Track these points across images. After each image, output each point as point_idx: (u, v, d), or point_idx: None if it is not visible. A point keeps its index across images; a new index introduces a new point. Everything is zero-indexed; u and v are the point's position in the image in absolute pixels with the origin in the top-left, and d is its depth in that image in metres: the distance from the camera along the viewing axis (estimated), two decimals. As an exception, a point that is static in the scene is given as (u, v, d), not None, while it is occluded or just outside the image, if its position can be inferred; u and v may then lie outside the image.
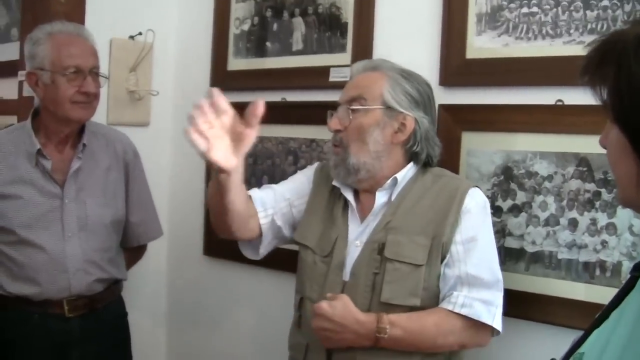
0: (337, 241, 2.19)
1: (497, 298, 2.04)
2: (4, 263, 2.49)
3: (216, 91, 1.79)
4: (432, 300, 2.06)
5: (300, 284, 2.27)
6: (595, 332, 1.25)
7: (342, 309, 2.00)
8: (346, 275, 2.14)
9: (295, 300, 2.30)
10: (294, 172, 2.87)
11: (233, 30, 3.17)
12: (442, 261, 2.06)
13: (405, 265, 2.05)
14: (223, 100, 1.80)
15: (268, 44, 3.04)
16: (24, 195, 2.47)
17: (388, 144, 2.14)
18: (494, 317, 2.01)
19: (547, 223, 2.28)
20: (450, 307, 2.01)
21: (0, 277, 2.49)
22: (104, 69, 2.62)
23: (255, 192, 2.30)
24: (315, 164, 2.45)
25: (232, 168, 1.88)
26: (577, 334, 1.47)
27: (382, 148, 2.14)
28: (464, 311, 1.99)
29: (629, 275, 1.27)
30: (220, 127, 1.81)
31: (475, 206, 2.10)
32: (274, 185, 2.38)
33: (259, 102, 1.85)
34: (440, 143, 2.23)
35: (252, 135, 1.87)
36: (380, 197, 2.17)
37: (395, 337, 1.99)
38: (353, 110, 2.15)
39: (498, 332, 2.05)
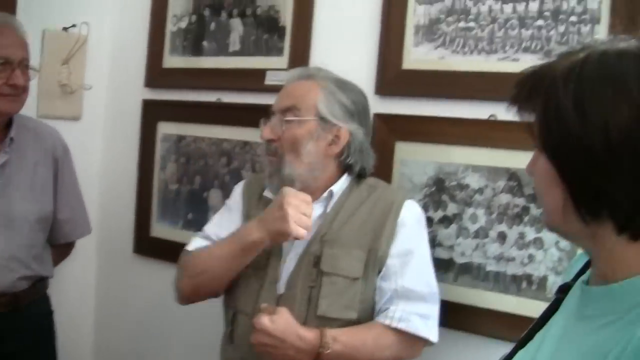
0: (272, 255, 2.14)
1: (433, 311, 2.05)
2: None
3: None
4: (368, 313, 2.06)
5: (231, 299, 2.21)
6: (520, 352, 1.27)
7: (283, 324, 1.93)
8: (280, 289, 2.10)
9: (226, 315, 2.24)
10: (227, 173, 2.88)
11: (170, 27, 3.13)
12: (378, 274, 2.06)
13: (342, 278, 2.04)
14: None
15: (205, 43, 3.01)
16: None
17: (322, 156, 2.12)
18: (430, 330, 2.02)
19: (476, 235, 2.30)
20: (387, 322, 2.00)
21: None
22: (35, 60, 2.54)
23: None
24: (240, 183, 2.39)
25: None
26: (506, 347, 1.49)
27: (316, 160, 2.11)
28: (401, 326, 1.99)
29: (553, 297, 1.29)
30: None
31: (411, 218, 2.10)
32: (210, 234, 2.28)
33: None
34: (374, 154, 2.21)
35: None
36: (316, 210, 2.12)
37: (337, 352, 1.96)
38: (287, 121, 2.11)
39: (432, 343, 2.06)
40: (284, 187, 2.04)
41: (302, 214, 1.97)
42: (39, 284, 2.66)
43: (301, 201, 1.98)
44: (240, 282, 2.17)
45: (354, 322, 2.04)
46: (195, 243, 2.26)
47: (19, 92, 2.44)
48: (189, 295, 2.25)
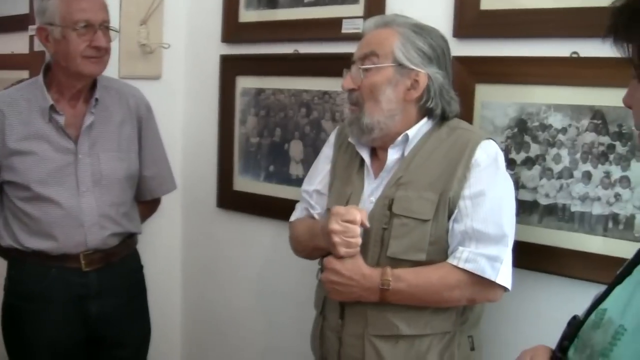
0: (351, 197, 2.21)
1: (503, 253, 2.02)
2: (20, 218, 2.51)
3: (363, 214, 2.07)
4: (440, 255, 2.07)
5: None
6: (618, 288, 1.27)
7: (350, 263, 2.05)
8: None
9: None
10: (307, 124, 2.89)
11: (245, -19, 3.14)
12: (449, 216, 2.06)
13: (412, 220, 2.06)
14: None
15: (280, -5, 3.01)
16: (38, 151, 2.48)
17: (401, 102, 2.13)
18: (497, 272, 2.00)
19: (560, 176, 2.27)
20: (454, 262, 2.01)
21: (17, 232, 2.52)
22: (114, 22, 2.58)
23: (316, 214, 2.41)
24: (335, 129, 2.46)
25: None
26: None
27: (395, 106, 2.13)
28: (467, 266, 2.00)
29: None
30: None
31: (486, 159, 2.07)
32: (312, 190, 2.42)
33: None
34: (457, 97, 2.20)
35: None
36: (393, 154, 2.16)
37: (399, 290, 2.02)
38: (365, 69, 2.13)
39: (503, 287, 2.04)
40: (330, 210, 2.12)
41: (350, 237, 2.05)
42: (129, 240, 2.74)
43: (346, 226, 2.05)
44: None
45: (423, 264, 2.05)
46: (295, 213, 2.50)
47: (102, 54, 2.50)
48: (298, 255, 2.48)
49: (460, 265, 2.00)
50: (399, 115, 2.14)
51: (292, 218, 2.49)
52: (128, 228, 2.69)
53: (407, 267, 2.05)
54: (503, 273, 2.01)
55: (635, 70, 1.11)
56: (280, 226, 2.92)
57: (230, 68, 3.22)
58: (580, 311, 1.41)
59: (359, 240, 2.06)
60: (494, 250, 2.01)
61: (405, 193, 2.09)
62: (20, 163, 2.47)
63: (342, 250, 2.05)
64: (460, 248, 2.02)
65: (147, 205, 2.92)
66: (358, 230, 2.05)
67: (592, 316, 1.29)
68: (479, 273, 1.99)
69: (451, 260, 2.02)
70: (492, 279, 2.00)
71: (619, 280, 1.27)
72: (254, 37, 3.10)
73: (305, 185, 2.45)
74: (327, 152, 2.42)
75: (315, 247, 2.26)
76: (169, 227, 3.46)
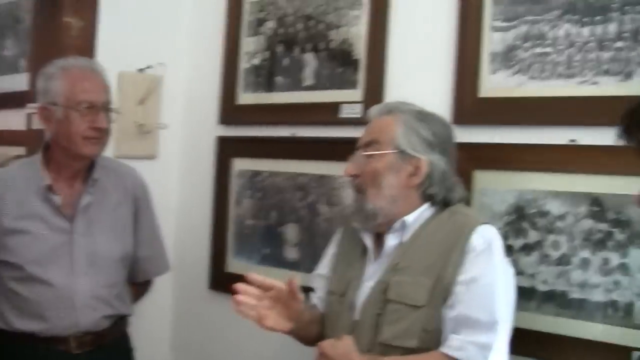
0: (352, 281, 2.21)
1: (494, 341, 1.97)
2: (10, 299, 2.47)
3: (255, 276, 2.10)
4: (434, 342, 2.02)
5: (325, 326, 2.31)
6: None
7: (342, 349, 2.01)
8: (357, 315, 2.15)
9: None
10: (303, 207, 2.90)
11: (243, 64, 3.19)
12: (444, 302, 2.03)
13: (405, 306, 2.05)
14: (266, 280, 2.10)
15: (278, 78, 3.05)
16: (33, 230, 2.45)
17: (403, 188, 2.15)
18: None
19: (559, 262, 2.27)
20: (445, 350, 1.97)
21: (7, 313, 2.47)
22: (111, 103, 2.61)
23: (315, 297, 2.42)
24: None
25: (287, 330, 2.15)
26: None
27: (397, 192, 2.14)
28: (457, 354, 1.95)
29: None
30: (269, 300, 2.10)
31: (482, 244, 2.05)
32: (316, 274, 2.46)
33: (293, 280, 2.08)
34: (460, 183, 2.22)
35: (299, 300, 2.11)
36: (391, 240, 2.17)
37: None
38: (367, 156, 2.16)
39: None
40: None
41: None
42: (120, 322, 2.69)
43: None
44: (327, 308, 2.30)
45: (416, 351, 2.02)
46: (314, 283, 2.47)
47: (102, 135, 2.50)
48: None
49: (450, 353, 1.96)
50: (401, 201, 2.15)
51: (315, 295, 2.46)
52: (120, 310, 2.65)
53: (399, 353, 2.03)
54: None
55: None
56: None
57: (227, 149, 3.24)
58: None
59: None
60: (484, 338, 1.97)
61: (400, 278, 2.08)
62: (15, 242, 2.44)
63: None
64: (451, 336, 1.99)
65: (139, 286, 2.88)
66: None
67: None
68: None
69: (442, 349, 1.99)
70: None
71: None
72: (251, 119, 3.13)
73: (320, 271, 2.46)
74: (337, 235, 2.43)
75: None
76: (160, 308, 3.42)
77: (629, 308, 2.14)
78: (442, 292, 2.03)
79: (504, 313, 2.01)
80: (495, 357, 1.97)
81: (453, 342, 1.96)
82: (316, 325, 2.31)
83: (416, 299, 2.04)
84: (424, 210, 2.17)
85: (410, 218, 2.15)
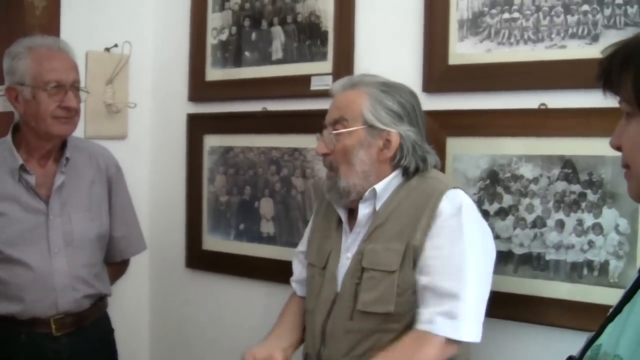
0: (331, 254, 2.21)
1: (462, 309, 1.94)
2: None
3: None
4: (408, 306, 2.03)
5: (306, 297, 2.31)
6: (610, 326, 1.29)
7: None
8: (339, 287, 2.16)
9: None
10: (277, 181, 2.90)
11: (210, 40, 3.17)
12: (414, 267, 2.03)
13: (379, 272, 2.05)
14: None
15: (247, 53, 3.04)
16: (8, 212, 2.42)
17: (375, 162, 2.13)
18: (458, 329, 1.94)
19: (534, 225, 2.30)
20: (418, 326, 1.97)
21: None
22: (80, 82, 2.58)
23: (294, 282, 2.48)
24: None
25: None
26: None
27: (370, 167, 2.13)
28: (427, 327, 1.94)
29: (637, 275, 1.32)
30: None
31: (450, 209, 2.03)
32: (297, 252, 2.50)
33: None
34: (432, 150, 2.21)
35: None
36: (364, 209, 2.16)
37: None
38: (336, 134, 2.14)
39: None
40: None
41: None
42: (100, 303, 2.68)
43: None
44: (309, 281, 2.30)
45: (392, 315, 2.03)
46: (294, 266, 2.50)
47: (72, 115, 2.47)
48: None
49: (421, 328, 1.95)
50: (374, 176, 2.14)
51: (293, 278, 2.49)
52: (100, 289, 2.63)
53: (377, 320, 2.04)
54: (466, 329, 1.94)
55: (630, 105, 1.16)
56: (251, 285, 2.90)
57: (197, 127, 3.23)
58: (559, 358, 1.43)
59: None
60: (452, 307, 1.94)
61: (374, 246, 2.09)
62: None
63: None
64: (421, 310, 1.98)
65: (116, 267, 2.86)
66: None
67: (588, 353, 1.31)
68: (439, 334, 1.93)
69: (415, 325, 1.98)
70: (456, 339, 1.94)
71: (610, 319, 1.30)
72: (221, 95, 3.12)
73: (300, 247, 2.48)
74: (314, 207, 2.44)
75: None
76: (137, 288, 3.42)
77: (604, 267, 2.19)
78: (411, 256, 2.03)
79: (473, 280, 1.98)
80: (466, 324, 1.94)
81: (423, 316, 1.96)
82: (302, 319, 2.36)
83: (389, 264, 2.04)
84: (394, 177, 2.16)
85: (379, 186, 2.14)
